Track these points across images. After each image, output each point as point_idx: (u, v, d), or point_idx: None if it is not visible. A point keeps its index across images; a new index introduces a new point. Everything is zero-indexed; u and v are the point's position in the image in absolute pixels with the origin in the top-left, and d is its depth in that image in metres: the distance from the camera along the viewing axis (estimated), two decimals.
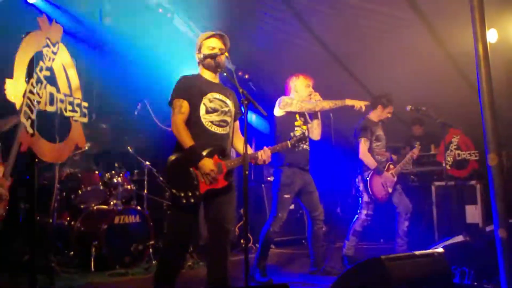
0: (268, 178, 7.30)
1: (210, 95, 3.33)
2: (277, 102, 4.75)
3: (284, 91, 4.89)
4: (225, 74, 3.36)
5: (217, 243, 3.23)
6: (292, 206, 6.39)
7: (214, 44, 3.39)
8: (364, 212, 5.24)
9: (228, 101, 3.44)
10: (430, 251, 3.14)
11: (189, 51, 3.80)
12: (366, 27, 6.11)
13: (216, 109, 3.33)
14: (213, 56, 3.33)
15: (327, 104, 4.61)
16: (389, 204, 5.36)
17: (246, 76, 8.15)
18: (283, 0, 6.00)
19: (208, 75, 3.44)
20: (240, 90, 3.06)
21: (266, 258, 4.62)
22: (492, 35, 5.60)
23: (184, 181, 3.14)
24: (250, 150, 3.43)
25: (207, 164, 3.13)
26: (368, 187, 5.20)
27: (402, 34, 6.07)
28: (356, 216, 5.29)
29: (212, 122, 3.30)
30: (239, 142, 3.55)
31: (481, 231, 5.38)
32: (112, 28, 6.61)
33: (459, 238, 4.08)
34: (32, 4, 5.11)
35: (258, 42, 7.19)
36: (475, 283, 3.40)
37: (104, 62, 6.68)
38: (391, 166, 5.35)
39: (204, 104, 3.30)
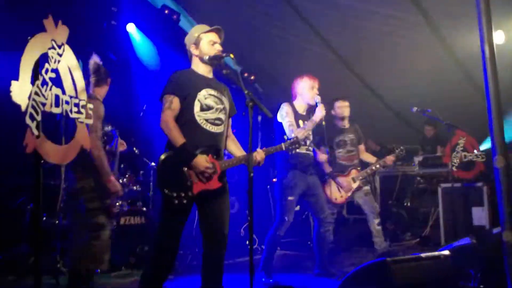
0: (274, 180, 7.29)
1: (205, 91, 3.16)
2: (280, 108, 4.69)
3: (290, 95, 4.83)
4: (231, 76, 3.30)
5: (214, 249, 3.11)
6: (297, 208, 6.37)
7: (214, 38, 3.25)
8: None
9: (223, 98, 3.26)
10: (436, 253, 3.12)
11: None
12: (372, 29, 6.10)
13: (211, 106, 3.16)
14: (219, 58, 3.21)
15: (302, 135, 4.39)
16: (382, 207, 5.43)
17: (252, 78, 8.14)
18: (290, 4, 6.00)
19: (202, 69, 3.26)
20: (246, 92, 2.95)
21: (271, 261, 4.61)
22: (499, 37, 5.58)
23: (176, 181, 2.96)
24: (242, 152, 3.36)
25: (201, 161, 2.98)
26: (325, 189, 5.24)
27: (408, 36, 6.05)
28: None
29: (207, 120, 3.13)
30: (231, 143, 3.40)
31: (488, 234, 5.34)
32: (118, 30, 6.65)
33: (466, 241, 4.05)
34: None
35: (263, 44, 7.20)
36: (481, 286, 3.37)
37: (111, 63, 6.70)
38: (353, 171, 5.42)
39: (198, 100, 3.12)
